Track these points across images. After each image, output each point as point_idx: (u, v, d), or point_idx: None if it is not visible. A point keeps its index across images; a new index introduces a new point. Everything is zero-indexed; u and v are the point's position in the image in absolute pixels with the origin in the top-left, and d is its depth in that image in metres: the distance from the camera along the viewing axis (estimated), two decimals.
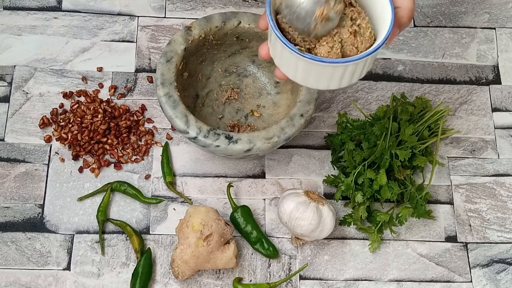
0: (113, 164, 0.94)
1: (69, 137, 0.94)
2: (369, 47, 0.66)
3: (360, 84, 1.02)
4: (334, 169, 0.96)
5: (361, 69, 0.66)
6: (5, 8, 1.03)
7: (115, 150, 0.94)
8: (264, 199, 0.94)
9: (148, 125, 0.97)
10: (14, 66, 0.99)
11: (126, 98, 0.99)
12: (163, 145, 0.95)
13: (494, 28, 1.09)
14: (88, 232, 0.90)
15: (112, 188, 0.91)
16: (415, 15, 1.08)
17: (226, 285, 0.88)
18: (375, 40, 0.66)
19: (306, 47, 0.65)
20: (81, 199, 0.91)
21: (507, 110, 1.02)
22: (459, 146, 0.99)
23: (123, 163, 0.94)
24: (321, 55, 0.64)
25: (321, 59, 0.63)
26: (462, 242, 0.93)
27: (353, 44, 0.65)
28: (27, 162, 0.93)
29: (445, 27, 1.08)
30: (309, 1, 0.62)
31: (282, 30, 0.66)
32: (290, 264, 0.90)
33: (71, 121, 0.95)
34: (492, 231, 0.94)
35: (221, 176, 0.95)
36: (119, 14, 1.04)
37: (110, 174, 0.93)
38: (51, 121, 0.96)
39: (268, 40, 0.69)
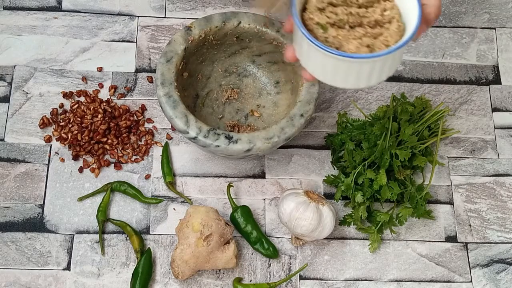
0: (113, 164, 0.94)
1: (69, 137, 0.94)
2: (396, 43, 0.65)
3: None
4: (334, 169, 0.96)
5: (389, 66, 0.65)
6: (5, 8, 1.03)
7: (115, 150, 0.94)
8: (264, 199, 0.94)
9: (148, 125, 0.97)
10: (14, 66, 0.99)
11: (126, 98, 0.99)
12: (163, 145, 0.95)
13: (494, 28, 1.09)
14: (88, 232, 0.90)
15: (112, 188, 0.91)
16: None
17: (226, 285, 0.88)
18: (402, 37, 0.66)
19: (334, 46, 0.65)
20: (81, 199, 0.91)
21: (507, 110, 1.02)
22: (459, 146, 0.99)
23: (123, 163, 0.94)
24: (349, 51, 0.64)
25: (349, 55, 0.62)
26: (462, 242, 0.93)
27: (383, 42, 0.65)
28: (27, 162, 0.93)
29: (445, 27, 1.08)
30: None
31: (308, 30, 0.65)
32: (290, 264, 0.90)
33: (71, 121, 0.95)
34: (492, 231, 0.94)
35: (221, 176, 0.95)
36: (119, 14, 1.04)
37: (110, 174, 0.93)
38: (51, 121, 0.96)
39: (294, 41, 0.68)
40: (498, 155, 0.99)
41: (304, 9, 0.67)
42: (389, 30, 0.65)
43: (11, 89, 0.98)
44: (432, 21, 0.67)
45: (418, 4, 0.64)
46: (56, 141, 0.95)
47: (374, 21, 0.65)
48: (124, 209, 0.91)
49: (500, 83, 1.04)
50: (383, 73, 0.65)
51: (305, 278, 0.89)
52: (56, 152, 0.94)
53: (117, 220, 0.90)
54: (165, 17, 1.05)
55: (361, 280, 0.89)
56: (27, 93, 0.98)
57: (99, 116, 0.94)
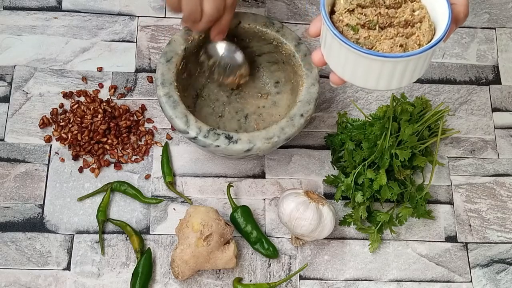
0: (113, 164, 0.94)
1: (69, 137, 0.94)
2: (428, 43, 0.64)
3: None
4: (334, 169, 0.96)
5: (421, 66, 0.65)
6: (5, 8, 1.03)
7: (115, 150, 0.94)
8: (264, 199, 0.94)
9: (148, 125, 0.97)
10: (14, 66, 0.99)
11: (126, 98, 0.99)
12: (163, 145, 0.95)
13: (494, 28, 1.09)
14: (88, 232, 0.90)
15: (112, 188, 0.91)
16: None
17: (226, 285, 0.88)
18: (433, 36, 0.66)
19: (365, 47, 0.64)
20: (81, 199, 0.91)
21: (507, 110, 1.02)
22: (459, 146, 0.99)
23: (123, 163, 0.94)
24: (383, 51, 0.63)
25: (385, 55, 0.62)
26: (462, 242, 0.93)
27: (415, 41, 0.65)
28: (27, 162, 0.93)
29: None
30: None
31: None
32: (290, 264, 0.90)
33: (71, 121, 0.95)
34: (492, 231, 0.94)
35: (221, 176, 0.95)
36: (119, 14, 1.04)
37: (110, 174, 0.93)
38: (51, 121, 0.96)
39: (322, 45, 0.67)
40: (498, 155, 0.99)
41: (332, 12, 0.67)
42: (420, 30, 0.65)
43: (11, 89, 0.98)
44: (462, 20, 0.67)
45: (448, 4, 0.64)
46: (56, 141, 0.95)
47: (404, 21, 0.65)
48: (124, 209, 0.91)
49: (500, 83, 1.04)
50: (415, 74, 0.65)
51: (305, 278, 0.89)
52: (56, 152, 0.94)
53: (117, 220, 0.90)
54: (165, 17, 1.05)
55: (361, 280, 0.89)
56: (27, 93, 0.98)
57: (99, 116, 0.94)
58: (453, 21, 0.65)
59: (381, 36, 0.64)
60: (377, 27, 0.65)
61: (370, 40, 0.64)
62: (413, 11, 0.66)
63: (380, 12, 0.65)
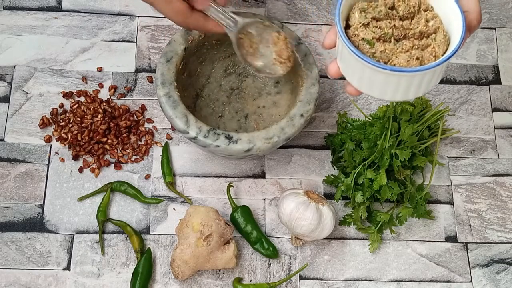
0: (113, 164, 0.94)
1: (69, 137, 0.94)
2: (443, 53, 0.65)
3: None
4: (334, 169, 0.96)
5: (437, 76, 0.65)
6: (5, 8, 1.03)
7: (115, 150, 0.94)
8: (264, 199, 0.94)
9: (148, 125, 0.97)
10: (14, 66, 0.99)
11: (126, 98, 0.99)
12: (163, 145, 0.95)
13: (494, 28, 1.09)
14: (88, 232, 0.90)
15: (112, 188, 0.91)
16: None
17: (226, 285, 0.88)
18: (448, 46, 0.66)
19: (382, 60, 0.65)
20: (81, 199, 0.91)
21: (507, 110, 1.02)
22: (459, 146, 0.99)
23: (123, 163, 0.94)
24: (399, 65, 0.64)
25: (402, 69, 0.62)
26: (462, 242, 0.93)
27: (431, 53, 0.65)
28: (27, 162, 0.93)
29: None
30: None
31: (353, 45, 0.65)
32: (290, 264, 0.90)
33: (71, 121, 0.95)
34: (492, 231, 0.94)
35: (221, 176, 0.95)
36: (119, 14, 1.04)
37: (110, 174, 0.93)
38: (51, 121, 0.96)
39: (338, 57, 0.67)
40: (498, 155, 0.99)
41: (346, 26, 0.67)
42: (436, 41, 0.65)
43: (11, 89, 0.98)
44: (475, 28, 0.67)
45: (461, 12, 0.64)
46: (56, 141, 0.95)
47: (419, 32, 0.66)
48: (124, 209, 0.91)
49: (500, 83, 1.04)
50: (431, 84, 0.65)
51: (305, 278, 0.89)
52: (56, 152, 0.94)
53: (117, 220, 0.90)
54: (165, 17, 1.05)
55: (361, 280, 0.89)
56: (27, 93, 0.98)
57: (99, 116, 0.94)
58: (467, 29, 0.65)
59: (397, 49, 0.64)
60: (392, 40, 0.65)
61: (386, 53, 0.64)
62: (427, 21, 0.66)
63: (394, 25, 0.65)
